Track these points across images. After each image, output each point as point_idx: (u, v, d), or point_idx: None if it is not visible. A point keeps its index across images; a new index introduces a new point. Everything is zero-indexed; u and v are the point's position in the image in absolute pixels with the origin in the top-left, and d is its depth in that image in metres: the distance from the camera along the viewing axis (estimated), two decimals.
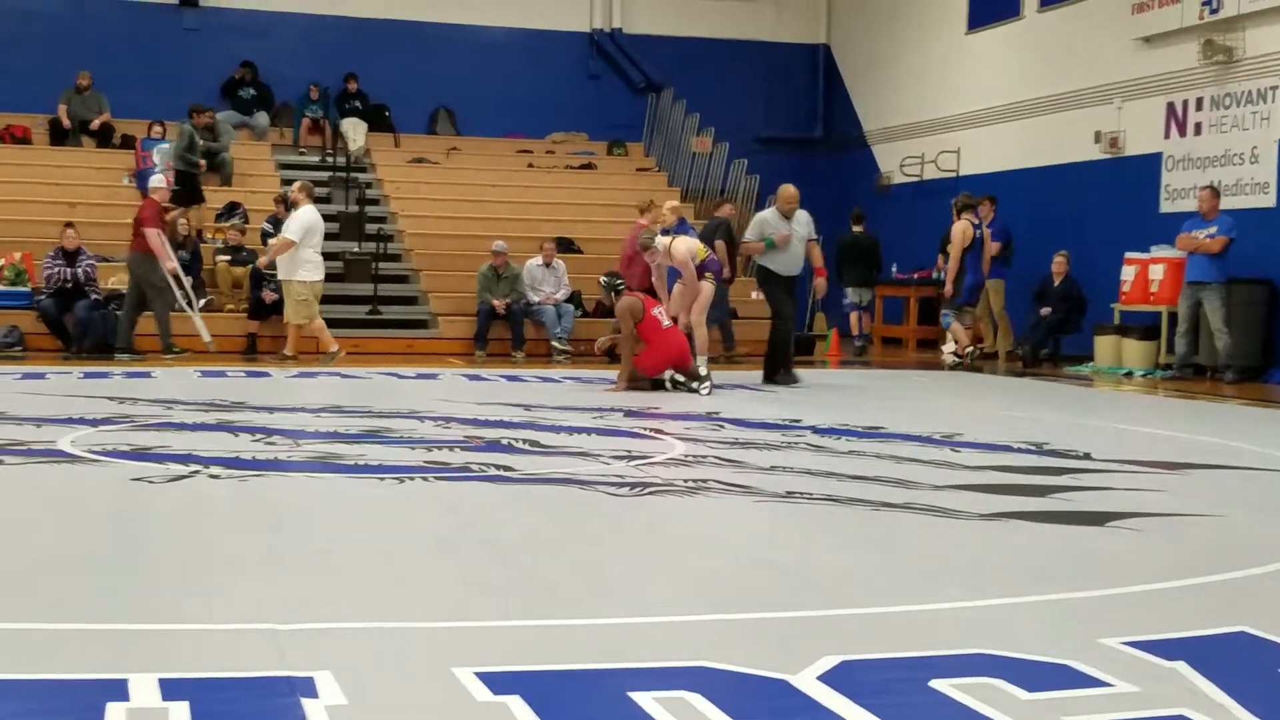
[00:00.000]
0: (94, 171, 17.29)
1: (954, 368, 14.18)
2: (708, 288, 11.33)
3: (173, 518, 5.08)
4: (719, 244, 15.05)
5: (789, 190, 11.77)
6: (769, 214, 11.69)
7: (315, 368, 12.57)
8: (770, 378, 11.72)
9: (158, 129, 17.21)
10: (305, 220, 13.11)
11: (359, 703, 2.87)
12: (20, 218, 15.37)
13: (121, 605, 3.72)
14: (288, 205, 15.57)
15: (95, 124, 17.91)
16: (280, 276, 13.28)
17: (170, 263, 13.28)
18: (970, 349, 14.44)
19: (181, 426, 7.79)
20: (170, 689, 2.92)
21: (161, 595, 3.84)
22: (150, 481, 5.82)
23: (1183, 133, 14.92)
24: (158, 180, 14.14)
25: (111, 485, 5.77)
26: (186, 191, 15.61)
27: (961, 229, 14.18)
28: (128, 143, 17.68)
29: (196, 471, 6.08)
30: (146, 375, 11.46)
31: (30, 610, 3.66)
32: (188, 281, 13.50)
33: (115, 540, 4.64)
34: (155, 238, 13.13)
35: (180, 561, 4.32)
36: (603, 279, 11.99)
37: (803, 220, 11.66)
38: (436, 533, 4.93)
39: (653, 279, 11.73)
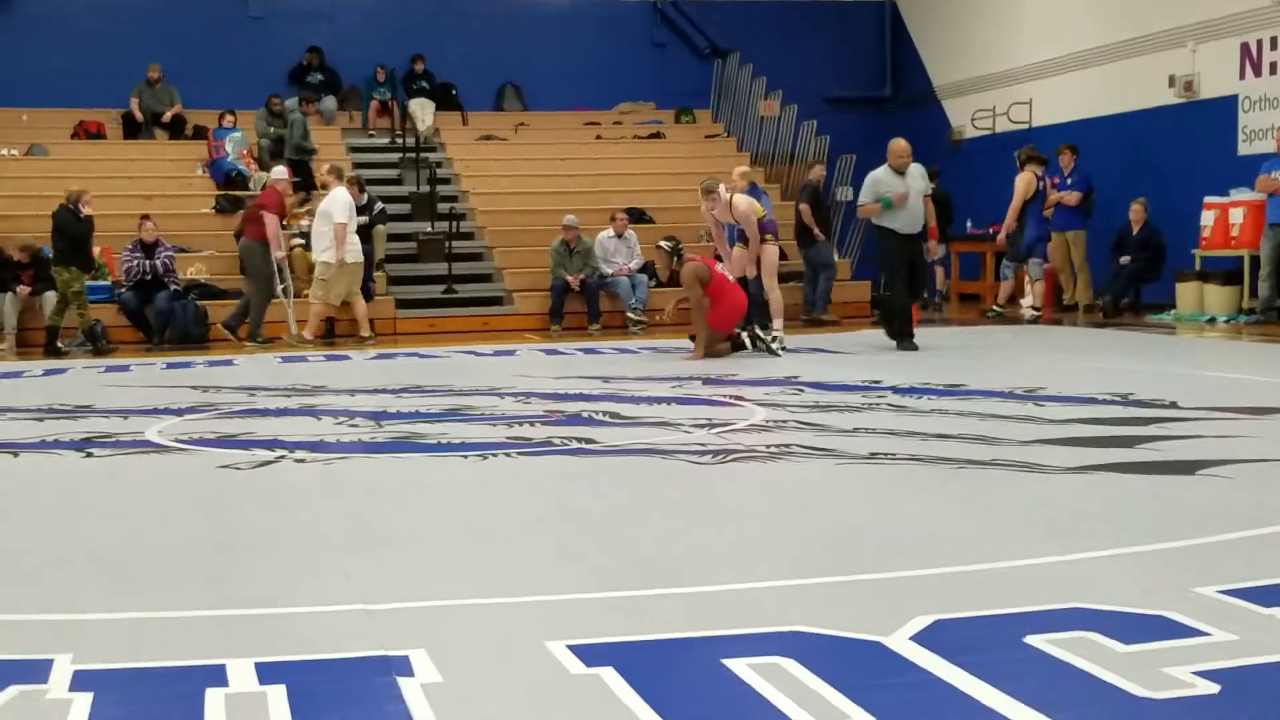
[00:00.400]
0: (168, 163, 17.56)
1: (1031, 320, 14.05)
2: (772, 250, 11.32)
3: (261, 503, 5.18)
4: (803, 207, 15.05)
5: (900, 144, 11.26)
6: (881, 172, 11.15)
7: (347, 350, 12.61)
8: (897, 340, 11.24)
9: (229, 118, 17.41)
10: (344, 200, 13.23)
11: (454, 680, 2.91)
12: (98, 212, 15.52)
13: (215, 591, 3.80)
14: (361, 188, 15.72)
15: (167, 116, 18.17)
16: (317, 258, 13.37)
17: (280, 251, 13.62)
18: (1035, 307, 14.35)
19: (265, 413, 7.92)
20: (267, 672, 2.97)
21: (254, 580, 3.92)
22: (237, 468, 5.91)
23: (1258, 73, 14.54)
24: (280, 171, 14.45)
25: (200, 473, 5.88)
26: (303, 180, 15.84)
27: (1026, 180, 14.10)
28: (200, 133, 17.91)
29: (282, 456, 6.17)
30: (228, 363, 11.65)
31: (126, 599, 3.75)
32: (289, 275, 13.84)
33: (204, 527, 4.73)
34: (274, 224, 13.48)
35: (270, 546, 4.40)
36: (664, 242, 11.96)
37: (917, 174, 11.19)
38: (522, 508, 4.97)
39: (712, 232, 11.64)
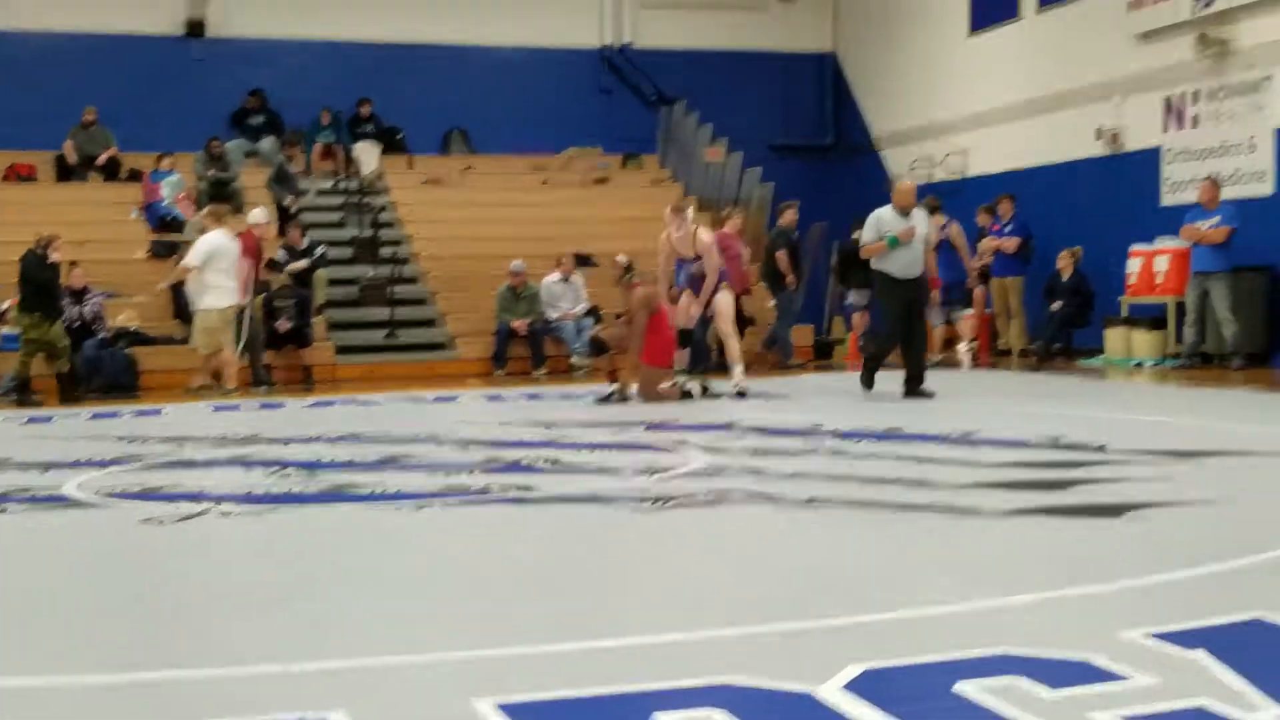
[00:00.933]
0: (102, 207, 17.34)
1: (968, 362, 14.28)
2: (727, 298, 11.35)
3: (181, 559, 5.02)
4: (779, 254, 15.17)
5: (907, 185, 11.13)
6: (885, 211, 10.86)
7: (213, 399, 12.29)
8: (869, 383, 10.98)
9: (166, 161, 17.25)
10: (209, 245, 12.90)
11: None
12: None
13: (127, 653, 3.67)
14: (302, 231, 15.68)
15: (102, 159, 17.98)
16: (194, 306, 13.06)
17: (246, 297, 13.32)
18: (968, 343, 14.66)
19: (193, 464, 7.75)
20: None
21: (169, 640, 3.79)
22: (160, 522, 5.69)
23: (1180, 126, 14.94)
24: (258, 214, 14.21)
25: (119, 529, 5.69)
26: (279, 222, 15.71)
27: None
28: (135, 176, 17.74)
29: (207, 509, 5.99)
30: (157, 413, 11.42)
31: (31, 663, 3.60)
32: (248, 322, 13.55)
33: (119, 586, 4.58)
34: (245, 270, 13.21)
35: (187, 604, 4.27)
36: (621, 257, 11.93)
37: (921, 217, 10.93)
38: (455, 559, 4.92)
39: (660, 265, 11.56)
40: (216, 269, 12.81)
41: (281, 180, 16.62)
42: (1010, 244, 15.50)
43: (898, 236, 10.60)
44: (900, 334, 10.84)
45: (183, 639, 3.83)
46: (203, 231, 13.22)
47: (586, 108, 20.91)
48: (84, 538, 5.61)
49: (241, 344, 13.37)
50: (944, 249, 14.63)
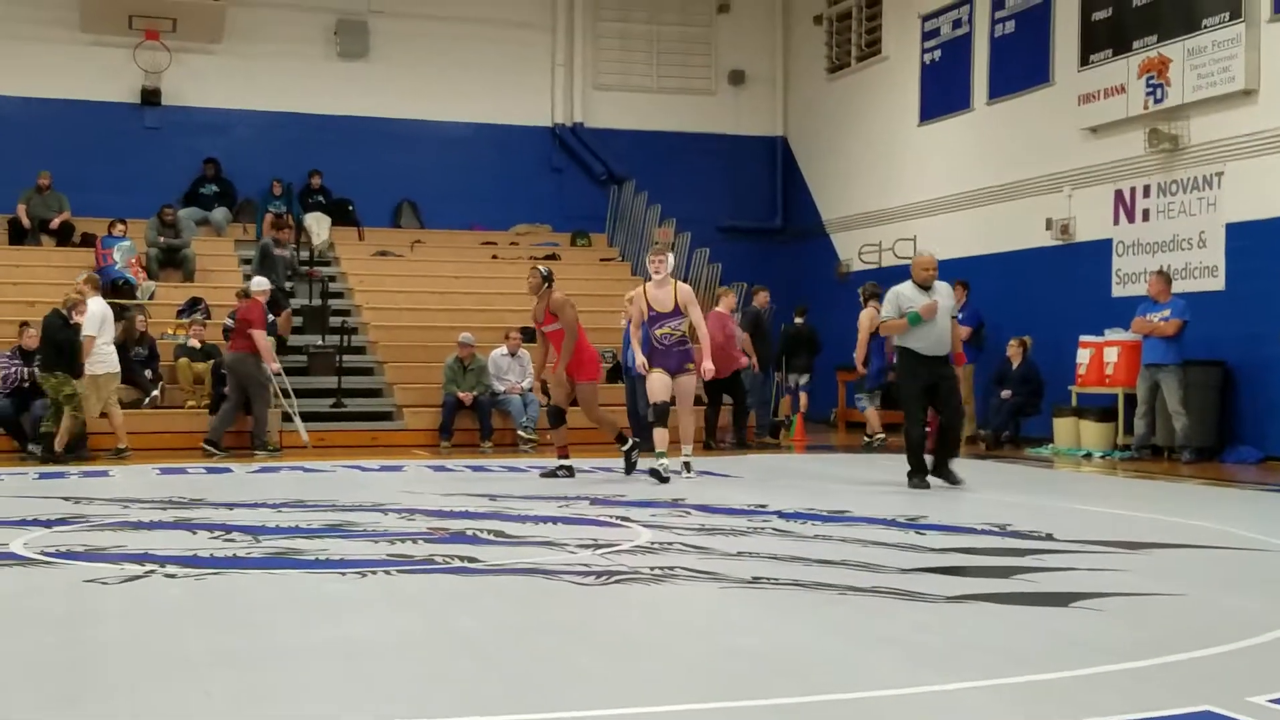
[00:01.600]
0: (53, 270, 17.18)
1: (866, 449, 14.38)
2: (690, 381, 11.14)
3: (125, 620, 4.98)
4: (744, 336, 15.26)
5: (925, 258, 10.37)
6: (905, 287, 10.21)
7: (227, 463, 12.41)
8: (919, 474, 10.12)
9: (119, 227, 17.15)
10: (99, 312, 13.14)
11: None
12: None
13: (68, 713, 3.62)
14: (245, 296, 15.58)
15: (55, 223, 17.87)
16: (90, 371, 13.05)
17: (275, 364, 13.83)
18: (880, 435, 14.65)
19: (138, 525, 7.68)
20: None
21: (109, 701, 3.75)
22: (104, 582, 5.71)
23: (1131, 219, 15.18)
24: (260, 282, 14.32)
25: (63, 587, 5.66)
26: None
27: (869, 315, 14.47)
28: (88, 241, 17.62)
29: (152, 571, 5.98)
30: (104, 474, 11.33)
31: None
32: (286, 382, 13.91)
33: (65, 644, 4.54)
34: (262, 338, 13.62)
35: (130, 664, 4.23)
36: (541, 268, 11.38)
37: (944, 292, 10.28)
38: (397, 627, 4.86)
39: (628, 322, 11.48)
40: (105, 336, 13.19)
41: (265, 261, 16.45)
42: (963, 331, 15.66)
43: (919, 312, 9.99)
44: (920, 414, 10.23)
45: (120, 699, 3.77)
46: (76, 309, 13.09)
47: (537, 185, 21.06)
48: (27, 596, 5.54)
49: (284, 403, 13.89)
50: (878, 335, 14.81)
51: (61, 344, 12.79)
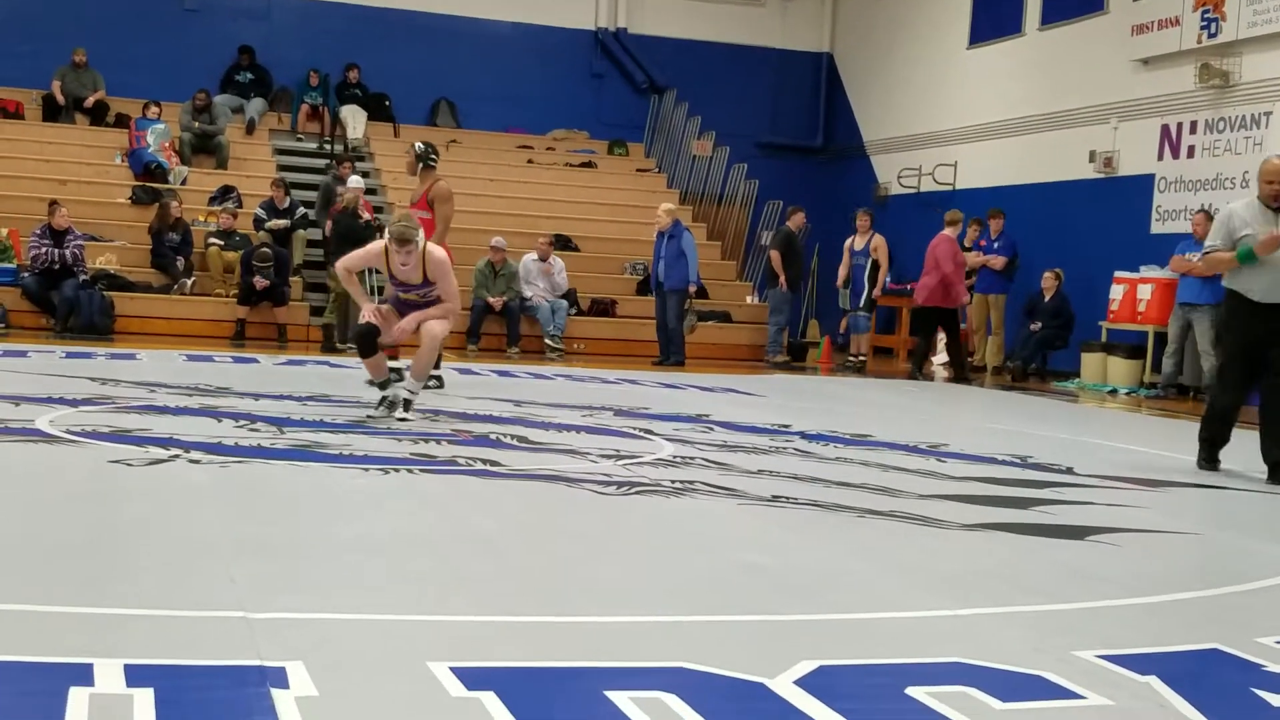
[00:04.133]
0: (86, 149, 17.22)
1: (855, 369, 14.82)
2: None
3: (149, 501, 5.04)
4: (773, 254, 15.22)
5: (1274, 165, 7.29)
6: (1240, 206, 7.45)
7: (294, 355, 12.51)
8: (1212, 452, 7.69)
9: (154, 109, 17.12)
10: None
11: (330, 695, 2.85)
12: (9, 193, 15.31)
13: (91, 589, 3.68)
14: (286, 190, 15.59)
15: (89, 101, 17.80)
16: None
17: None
18: (862, 356, 15.14)
19: (164, 410, 7.75)
20: (136, 675, 2.89)
21: (133, 580, 3.80)
22: (129, 464, 5.77)
23: (1176, 155, 14.96)
24: (356, 180, 14.39)
25: (88, 467, 5.72)
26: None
27: (885, 243, 15.12)
28: (121, 121, 17.59)
29: (177, 456, 6.03)
30: (131, 357, 11.41)
31: None
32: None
33: (89, 523, 4.60)
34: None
35: (153, 546, 4.29)
36: (418, 144, 9.92)
37: None
38: (418, 525, 4.91)
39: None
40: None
41: (327, 202, 16.11)
42: (998, 261, 15.61)
43: (1253, 248, 7.19)
44: (1239, 379, 7.53)
45: (144, 579, 3.82)
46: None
47: (576, 90, 20.83)
48: (55, 473, 5.60)
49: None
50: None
51: (357, 242, 12.75)
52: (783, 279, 15.19)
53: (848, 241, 15.45)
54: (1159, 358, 13.68)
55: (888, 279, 15.60)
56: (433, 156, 9.99)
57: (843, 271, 15.41)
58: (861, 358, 15.19)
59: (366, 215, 13.48)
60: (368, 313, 8.00)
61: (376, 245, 8.28)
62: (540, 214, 17.41)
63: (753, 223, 19.05)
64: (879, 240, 15.10)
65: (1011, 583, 4.44)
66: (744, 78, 21.26)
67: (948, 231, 14.13)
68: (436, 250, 8.14)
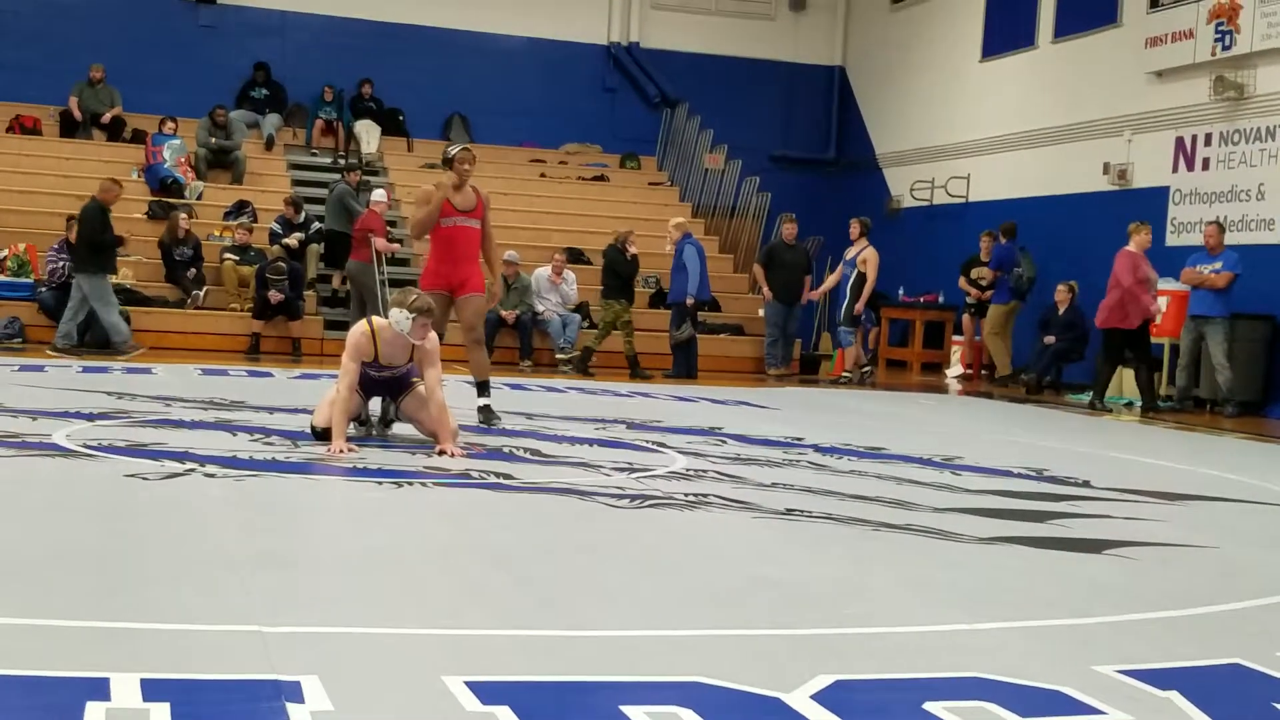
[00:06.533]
0: (103, 165, 17.21)
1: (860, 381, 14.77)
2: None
3: (165, 515, 5.05)
4: (755, 268, 15.31)
5: None
6: None
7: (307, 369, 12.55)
8: None
9: (170, 125, 17.21)
10: None
11: (345, 709, 2.84)
12: (26, 208, 15.39)
13: (107, 603, 3.68)
14: (298, 207, 15.65)
15: (106, 117, 17.90)
16: None
17: (381, 274, 14.01)
18: (867, 368, 15.11)
19: (179, 424, 7.77)
20: (152, 689, 2.88)
21: (149, 594, 3.80)
22: (144, 478, 5.78)
23: (1190, 167, 14.92)
24: (380, 194, 14.68)
25: (105, 481, 5.73)
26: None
27: (875, 256, 14.88)
28: (138, 137, 17.67)
29: (192, 470, 6.05)
30: (147, 371, 11.45)
31: (12, 605, 3.62)
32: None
33: (105, 536, 4.61)
34: (385, 245, 14.22)
35: (169, 560, 4.29)
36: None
37: None
38: (432, 539, 4.91)
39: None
40: None
41: (340, 212, 15.97)
42: (986, 273, 15.86)
43: None
44: None
45: (160, 592, 3.82)
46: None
47: (589, 104, 20.87)
48: (70, 487, 5.61)
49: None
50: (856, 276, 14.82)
51: (624, 276, 14.33)
52: (765, 291, 15.11)
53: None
54: (1174, 370, 13.62)
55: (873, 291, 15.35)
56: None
57: (829, 281, 15.44)
58: (846, 375, 14.94)
59: (633, 250, 14.39)
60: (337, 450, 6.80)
61: (361, 335, 7.19)
62: (553, 227, 17.43)
63: (765, 235, 19.01)
64: (868, 252, 14.78)
65: (1029, 597, 4.42)
66: (756, 91, 21.28)
67: (1130, 245, 13.02)
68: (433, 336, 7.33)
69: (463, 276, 8.38)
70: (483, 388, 8.74)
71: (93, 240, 12.97)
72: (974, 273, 16.14)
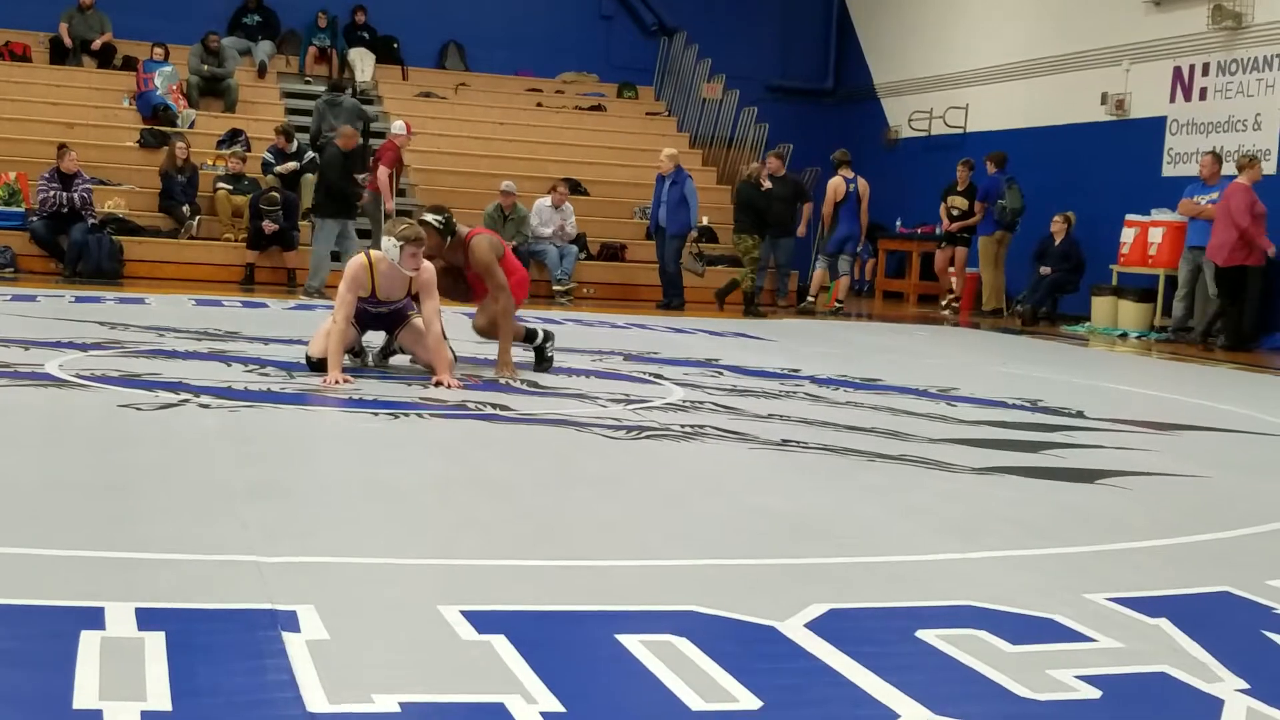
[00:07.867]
0: (93, 92, 17.13)
1: (803, 311, 14.77)
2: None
3: (159, 445, 5.05)
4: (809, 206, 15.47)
5: None
6: None
7: (302, 299, 12.53)
8: None
9: (159, 51, 17.02)
10: None
11: (341, 638, 2.86)
12: (17, 137, 15.25)
13: (102, 533, 3.69)
14: (289, 137, 15.50)
15: (97, 44, 17.66)
16: None
17: (390, 204, 13.82)
18: (812, 299, 15.11)
19: (173, 354, 7.76)
20: (147, 618, 2.90)
21: (143, 524, 3.81)
22: (138, 408, 5.77)
23: (1188, 97, 14.82)
24: (399, 125, 14.52)
25: (98, 411, 5.73)
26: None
27: (834, 185, 14.97)
28: (129, 64, 17.46)
29: (186, 400, 6.04)
30: (140, 301, 11.41)
31: (6, 535, 3.62)
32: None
33: (98, 467, 4.61)
34: (385, 177, 13.79)
35: (164, 490, 4.30)
36: (431, 216, 7.65)
37: None
38: (428, 469, 4.92)
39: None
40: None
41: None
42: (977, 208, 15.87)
43: None
44: None
45: (154, 522, 3.83)
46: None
47: (585, 32, 20.63)
48: (64, 417, 5.60)
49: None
50: (850, 201, 14.78)
51: (759, 207, 14.12)
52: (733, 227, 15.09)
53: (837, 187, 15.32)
54: (1170, 301, 13.61)
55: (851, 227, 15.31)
56: (452, 223, 7.77)
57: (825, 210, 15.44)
58: (811, 299, 15.11)
59: (765, 185, 14.15)
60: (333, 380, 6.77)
61: (359, 267, 7.15)
62: (549, 158, 17.31)
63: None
64: (834, 181, 15.05)
65: (1021, 526, 4.45)
66: (754, 20, 21.05)
67: (1242, 179, 12.39)
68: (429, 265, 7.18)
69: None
70: (530, 337, 8.18)
71: (332, 187, 13.09)
72: (950, 200, 16.13)
